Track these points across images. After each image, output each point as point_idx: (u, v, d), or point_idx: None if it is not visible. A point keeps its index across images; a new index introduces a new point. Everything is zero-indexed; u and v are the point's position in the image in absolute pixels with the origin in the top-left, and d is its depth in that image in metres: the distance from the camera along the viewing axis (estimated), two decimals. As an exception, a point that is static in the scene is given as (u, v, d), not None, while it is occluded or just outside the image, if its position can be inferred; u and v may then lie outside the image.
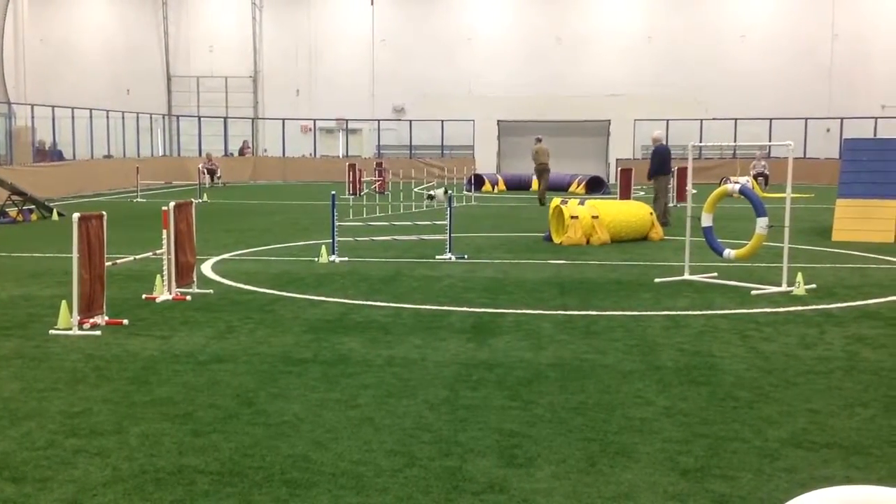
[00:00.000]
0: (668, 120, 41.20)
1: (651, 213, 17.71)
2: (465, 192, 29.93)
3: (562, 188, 33.30)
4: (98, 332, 8.85)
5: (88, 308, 9.08)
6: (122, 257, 11.24)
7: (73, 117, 33.68)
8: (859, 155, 18.64)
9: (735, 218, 19.99)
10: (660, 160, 20.29)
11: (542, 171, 27.35)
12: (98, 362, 7.76)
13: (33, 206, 22.16)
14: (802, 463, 5.40)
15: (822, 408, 6.49)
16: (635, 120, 41.86)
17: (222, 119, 44.93)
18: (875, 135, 36.50)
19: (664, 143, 20.87)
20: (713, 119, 41.34)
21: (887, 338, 8.79)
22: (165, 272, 10.74)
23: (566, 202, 17.11)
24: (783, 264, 11.57)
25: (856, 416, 6.30)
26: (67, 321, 8.97)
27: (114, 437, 5.83)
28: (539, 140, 28.02)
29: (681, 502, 4.81)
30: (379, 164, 34.74)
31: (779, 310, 10.22)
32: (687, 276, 12.30)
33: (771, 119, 40.27)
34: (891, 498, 2.52)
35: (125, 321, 9.30)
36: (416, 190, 29.79)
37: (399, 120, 45.27)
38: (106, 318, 9.30)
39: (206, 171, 35.29)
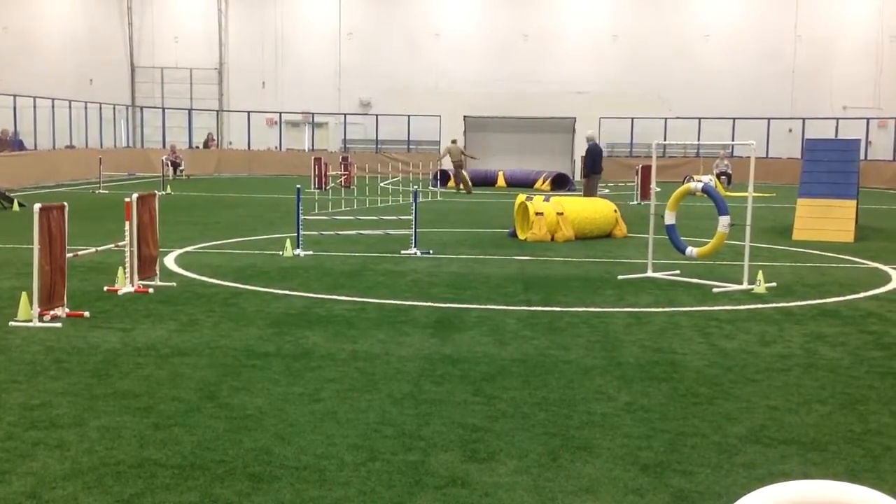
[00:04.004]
0: (632, 118, 41.50)
1: (615, 211, 17.82)
2: (430, 188, 29.92)
3: (527, 185, 33.41)
4: (59, 325, 8.77)
5: (49, 300, 8.99)
6: (84, 249, 11.14)
7: (34, 106, 33.23)
8: (820, 155, 18.87)
9: (698, 216, 20.18)
10: (593, 159, 20.95)
11: (458, 166, 32.14)
12: (58, 355, 7.69)
13: (-7, 197, 21.85)
14: (760, 458, 5.47)
15: (781, 404, 6.57)
16: (601, 118, 42.03)
17: (187, 111, 44.56)
18: (836, 135, 36.94)
19: (597, 142, 21.42)
20: (677, 118, 41.64)
21: (845, 336, 8.91)
22: (128, 264, 10.65)
23: (531, 198, 17.17)
24: (744, 262, 11.70)
25: (813, 413, 6.39)
26: (28, 313, 8.87)
27: (74, 429, 5.78)
28: (454, 141, 33.60)
29: (640, 496, 4.86)
30: (345, 159, 34.66)
31: (739, 307, 10.34)
32: (650, 274, 12.39)
33: (734, 119, 40.63)
34: (846, 493, 2.56)
35: (86, 313, 9.22)
36: (381, 185, 29.75)
37: (365, 114, 45.13)
38: (67, 310, 9.21)
39: (169, 163, 35.00)
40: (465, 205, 25.98)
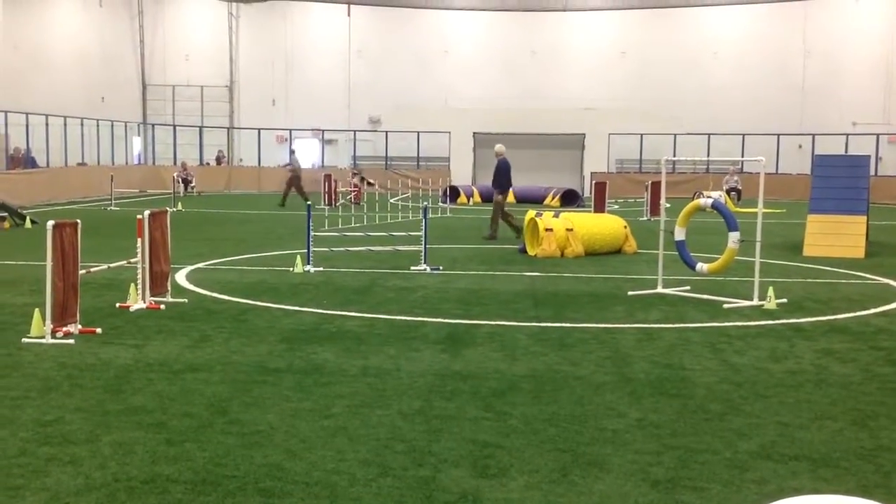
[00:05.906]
0: (641, 134, 41.53)
1: (625, 227, 17.83)
2: (440, 204, 29.98)
3: (537, 201, 33.44)
4: (71, 341, 8.81)
5: (61, 316, 9.04)
6: (96, 265, 11.19)
7: (47, 124, 33.41)
8: (830, 171, 18.85)
9: (708, 232, 20.16)
10: (503, 174, 20.90)
11: (297, 178, 32.30)
12: (71, 371, 7.73)
13: (6, 214, 21.97)
14: (771, 475, 5.47)
15: (792, 420, 6.57)
16: (610, 134, 42.15)
17: (198, 128, 44.77)
18: (846, 151, 36.87)
19: (506, 157, 21.32)
20: (687, 134, 41.64)
21: (856, 352, 8.90)
22: (139, 281, 10.71)
23: (541, 215, 17.20)
24: (755, 279, 11.69)
25: (824, 429, 6.38)
26: (40, 329, 8.92)
27: (86, 445, 5.81)
28: (293, 152, 36.54)
29: (651, 513, 4.86)
30: (355, 175, 34.74)
31: (750, 323, 10.33)
32: (660, 290, 12.39)
33: (744, 135, 40.62)
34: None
35: (98, 330, 9.26)
36: (391, 201, 29.80)
37: (375, 131, 45.29)
38: (79, 326, 9.26)
39: (180, 179, 35.16)
40: (475, 221, 26.00)
